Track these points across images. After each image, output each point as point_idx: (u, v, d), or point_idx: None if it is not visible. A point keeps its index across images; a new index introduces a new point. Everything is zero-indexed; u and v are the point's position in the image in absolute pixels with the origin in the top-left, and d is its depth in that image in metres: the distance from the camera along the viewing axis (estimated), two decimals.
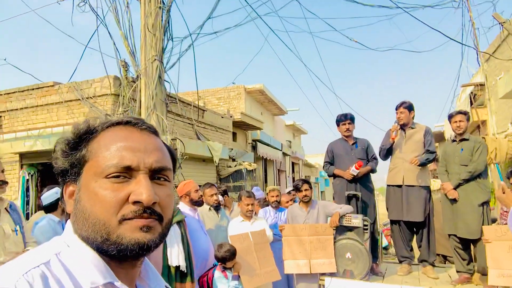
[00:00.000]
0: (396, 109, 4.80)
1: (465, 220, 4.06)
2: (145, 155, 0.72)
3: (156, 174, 0.74)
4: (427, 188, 4.67)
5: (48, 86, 7.89)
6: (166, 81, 6.00)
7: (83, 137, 0.75)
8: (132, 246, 0.67)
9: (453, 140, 4.43)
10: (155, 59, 5.73)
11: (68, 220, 0.75)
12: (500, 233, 3.36)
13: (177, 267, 3.22)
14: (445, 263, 5.74)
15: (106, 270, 0.68)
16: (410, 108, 4.73)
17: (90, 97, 7.37)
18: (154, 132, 0.79)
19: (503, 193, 2.11)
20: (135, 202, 0.68)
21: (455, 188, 4.18)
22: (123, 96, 6.50)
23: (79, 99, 7.43)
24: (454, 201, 4.19)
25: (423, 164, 4.58)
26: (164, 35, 5.91)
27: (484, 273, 3.91)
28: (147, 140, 0.76)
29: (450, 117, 4.42)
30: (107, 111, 7.16)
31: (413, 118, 4.79)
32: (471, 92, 10.81)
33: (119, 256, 0.68)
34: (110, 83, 7.14)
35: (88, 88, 7.51)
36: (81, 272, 0.65)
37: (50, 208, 3.55)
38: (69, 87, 7.59)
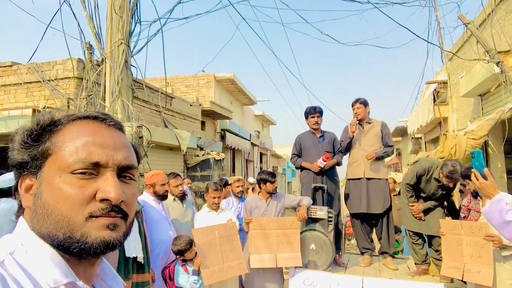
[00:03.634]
0: (353, 105, 5.05)
1: (431, 222, 4.33)
2: (114, 152, 0.70)
3: (122, 172, 0.72)
4: (386, 181, 4.88)
5: (5, 66, 7.46)
6: (133, 66, 5.81)
7: (46, 129, 0.70)
8: (97, 244, 0.65)
9: (436, 178, 4.26)
10: (121, 43, 5.53)
11: (21, 217, 0.71)
12: (451, 227, 3.49)
13: (134, 258, 3.12)
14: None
15: (67, 269, 0.65)
16: (365, 103, 5.00)
17: (52, 80, 7.03)
18: (121, 129, 0.77)
19: (486, 179, 1.89)
20: (102, 200, 0.66)
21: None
22: (87, 80, 6.23)
23: (40, 81, 7.07)
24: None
25: (381, 158, 4.84)
26: (132, 18, 5.70)
27: (438, 265, 4.10)
28: (115, 136, 0.73)
29: (452, 177, 3.96)
30: (69, 95, 6.86)
31: (368, 113, 5.04)
32: (435, 90, 11.18)
33: (81, 254, 0.66)
34: (73, 66, 6.84)
35: (49, 70, 7.16)
36: (40, 271, 0.62)
37: (7, 193, 3.36)
38: (29, 68, 7.21)
